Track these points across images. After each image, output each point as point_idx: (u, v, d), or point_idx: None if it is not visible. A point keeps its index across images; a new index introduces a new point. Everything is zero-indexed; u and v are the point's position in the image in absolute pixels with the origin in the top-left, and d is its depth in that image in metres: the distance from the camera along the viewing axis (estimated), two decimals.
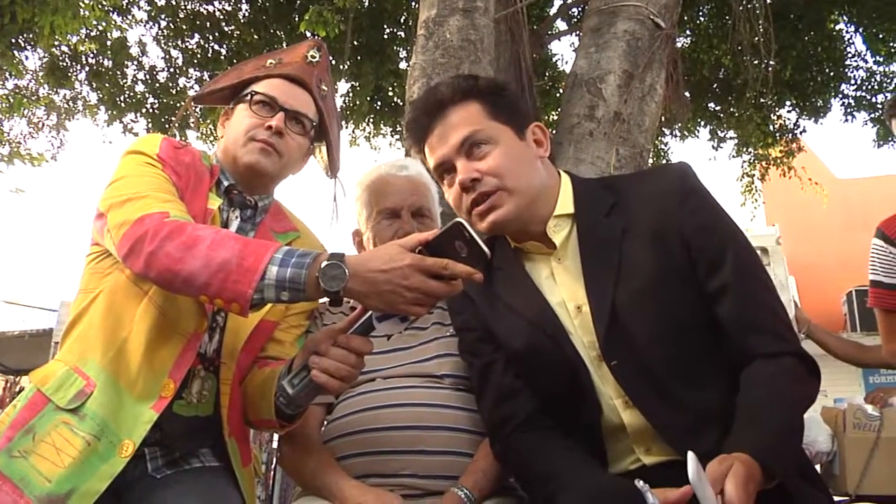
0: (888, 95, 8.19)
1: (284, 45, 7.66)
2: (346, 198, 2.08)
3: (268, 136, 1.71)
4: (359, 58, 7.87)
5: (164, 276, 1.42)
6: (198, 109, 7.76)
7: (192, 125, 8.10)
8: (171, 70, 8.81)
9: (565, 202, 1.59)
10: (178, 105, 8.44)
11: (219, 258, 1.37)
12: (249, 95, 1.76)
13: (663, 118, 4.65)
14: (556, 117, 7.39)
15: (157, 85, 8.82)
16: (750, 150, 9.04)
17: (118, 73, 8.67)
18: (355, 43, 7.61)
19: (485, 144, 1.53)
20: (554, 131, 3.85)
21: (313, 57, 1.83)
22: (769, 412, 1.33)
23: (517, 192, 1.52)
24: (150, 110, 8.84)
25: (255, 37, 7.92)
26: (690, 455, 1.15)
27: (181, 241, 1.41)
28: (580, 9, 6.60)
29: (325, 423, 1.83)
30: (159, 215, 1.47)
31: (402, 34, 7.98)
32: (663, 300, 1.45)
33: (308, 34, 5.92)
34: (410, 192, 1.94)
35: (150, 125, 8.80)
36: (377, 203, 1.94)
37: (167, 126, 8.39)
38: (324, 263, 1.34)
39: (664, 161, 9.11)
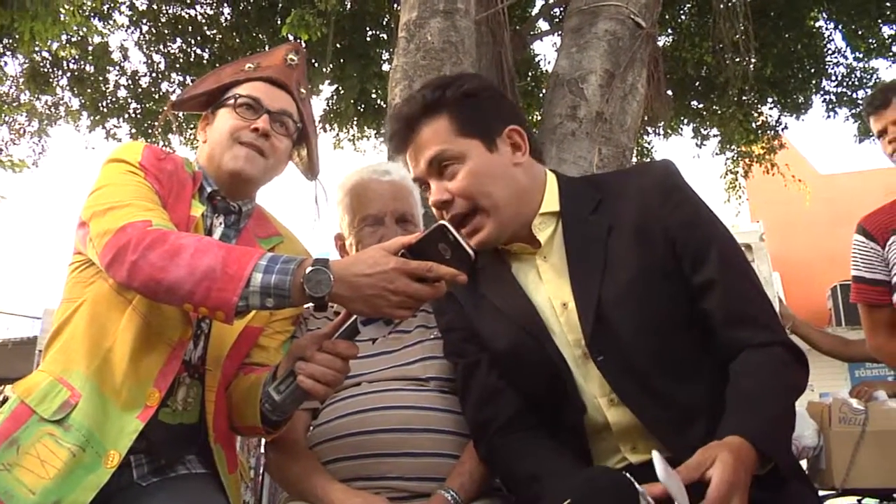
0: (868, 91, 8.27)
1: (267, 48, 7.64)
2: (327, 200, 2.06)
3: (254, 139, 1.71)
4: (342, 60, 7.87)
5: (147, 286, 1.42)
6: (180, 115, 7.74)
7: (174, 130, 8.08)
8: (154, 75, 8.79)
9: (551, 200, 1.59)
10: (161, 110, 8.40)
11: (202, 266, 1.37)
12: (233, 98, 1.75)
13: (646, 117, 4.67)
14: (539, 117, 7.42)
15: (140, 90, 8.79)
16: (733, 147, 9.11)
17: (100, 78, 8.63)
18: (338, 46, 7.62)
19: (453, 163, 1.53)
20: (536, 131, 3.86)
21: (292, 60, 1.83)
22: (761, 398, 1.34)
23: (493, 209, 1.52)
24: (133, 115, 8.81)
25: (238, 40, 7.92)
26: (655, 454, 1.16)
27: (164, 249, 1.40)
28: (562, 9, 6.62)
29: (311, 427, 1.83)
30: (142, 224, 1.46)
31: (385, 36, 7.98)
32: (649, 296, 1.46)
33: (290, 37, 5.92)
34: (393, 197, 1.93)
35: (132, 130, 8.76)
36: (359, 209, 1.93)
37: (150, 131, 8.36)
38: (308, 269, 1.34)
39: (648, 159, 9.16)
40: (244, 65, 1.83)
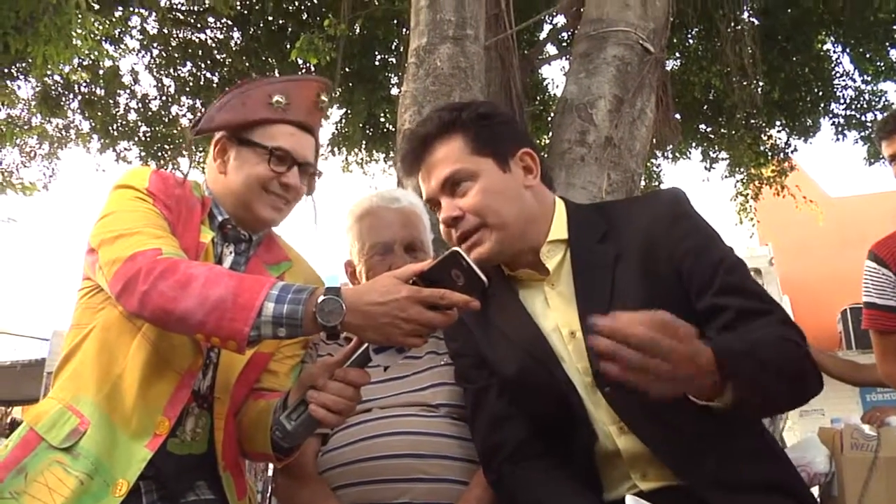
0: (877, 114, 8.27)
1: (276, 72, 7.69)
2: (320, 213, 2.06)
3: (282, 192, 1.72)
4: (350, 84, 7.92)
5: (158, 316, 1.41)
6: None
7: (184, 153, 8.14)
8: (164, 98, 8.86)
9: (559, 228, 1.60)
10: (171, 133, 8.46)
11: (214, 296, 1.37)
12: (267, 149, 1.71)
13: (654, 141, 4.67)
14: (547, 141, 7.44)
15: (150, 113, 8.86)
16: (742, 169, 9.11)
17: (111, 101, 8.71)
18: (347, 70, 7.66)
19: (466, 181, 1.55)
20: (545, 155, 3.88)
21: (323, 103, 1.81)
22: (751, 338, 1.35)
23: (499, 227, 1.53)
24: (143, 138, 8.87)
25: (247, 64, 7.98)
26: (629, 498, 1.18)
27: (175, 279, 1.40)
28: (570, 33, 6.67)
29: (321, 453, 1.83)
30: (152, 252, 1.45)
31: (394, 61, 8.04)
32: None
33: (300, 62, 5.96)
34: (402, 225, 1.95)
35: (142, 153, 8.83)
36: (369, 237, 1.95)
37: (160, 154, 8.42)
38: (320, 298, 1.34)
39: (657, 183, 9.18)
40: (272, 95, 1.78)
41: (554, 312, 1.56)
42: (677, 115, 7.46)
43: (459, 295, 1.33)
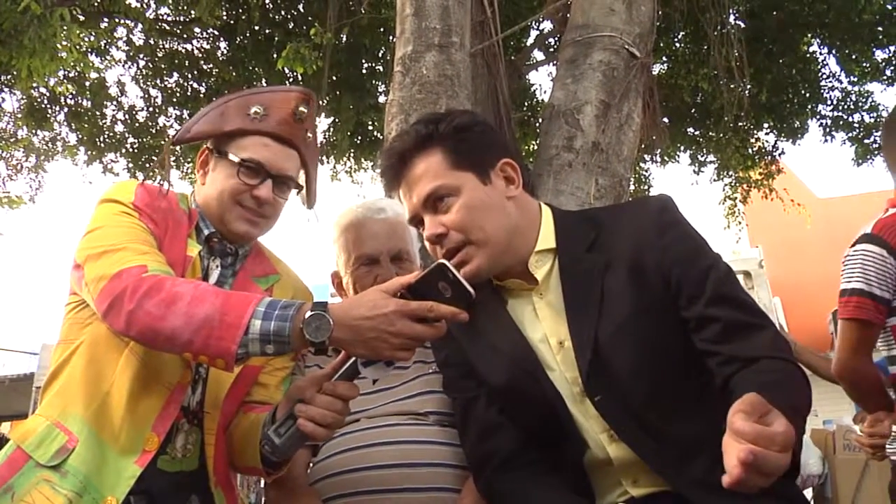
0: (864, 115, 8.33)
1: (264, 82, 7.69)
2: (318, 221, 2.07)
3: (255, 206, 1.71)
4: (338, 93, 7.93)
5: (145, 335, 1.41)
6: (178, 149, 7.77)
7: (172, 164, 8.11)
8: (151, 109, 8.86)
9: (547, 237, 1.59)
10: (159, 144, 8.44)
11: (200, 315, 1.37)
12: (238, 162, 1.70)
13: (642, 145, 4.69)
14: (536, 147, 7.45)
15: (137, 124, 8.86)
16: (730, 173, 9.15)
17: (97, 113, 8.71)
18: (334, 78, 7.67)
19: (448, 197, 1.54)
20: (533, 161, 3.89)
21: (302, 113, 1.78)
22: (774, 379, 1.30)
23: (484, 243, 1.52)
24: (130, 150, 8.86)
25: (234, 74, 7.97)
26: None
27: (160, 298, 1.39)
28: (557, 38, 6.69)
29: (311, 464, 1.83)
30: (137, 269, 1.45)
31: (381, 68, 8.05)
32: (644, 333, 1.46)
33: (286, 71, 5.96)
34: (388, 236, 1.95)
35: (130, 164, 8.81)
36: (355, 248, 1.95)
37: (147, 165, 8.39)
38: (308, 314, 1.34)
39: (645, 188, 9.20)
40: (250, 107, 1.78)
41: (542, 322, 1.56)
42: (665, 119, 7.50)
43: (447, 307, 1.33)
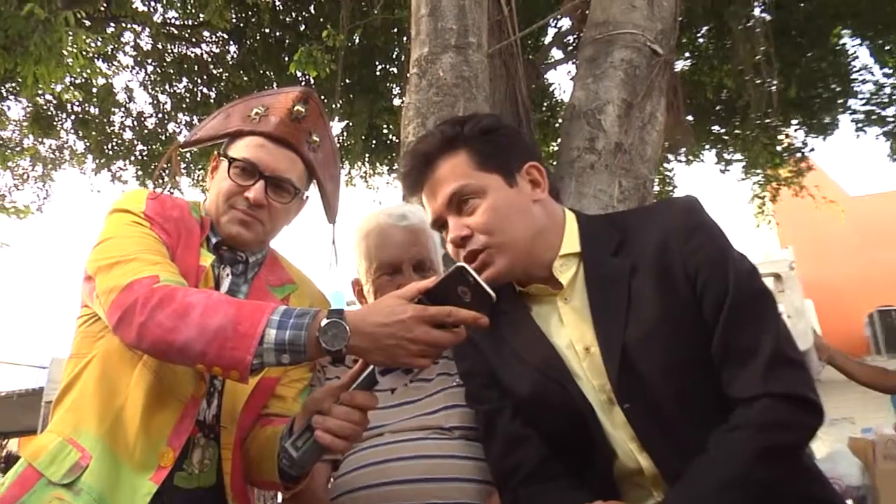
0: None
1: (275, 86, 7.72)
2: (343, 243, 2.07)
3: (246, 208, 1.71)
4: (351, 96, 7.96)
5: (157, 347, 1.42)
6: (188, 154, 7.82)
7: (181, 172, 8.15)
8: (160, 115, 8.93)
9: (571, 241, 1.60)
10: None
11: (213, 325, 1.37)
12: (229, 161, 1.73)
13: (666, 144, 4.67)
14: (556, 148, 7.43)
15: (146, 131, 8.93)
16: (758, 171, 9.10)
17: (105, 120, 8.78)
18: (347, 81, 7.69)
19: (473, 198, 1.55)
20: (554, 163, 3.88)
21: (299, 112, 1.78)
22: (705, 469, 1.35)
23: (508, 246, 1.53)
24: (140, 157, 8.92)
25: (245, 79, 8.04)
26: None
27: (172, 309, 1.40)
28: (576, 36, 6.69)
29: (332, 479, 1.84)
30: (148, 280, 1.46)
31: (395, 70, 8.08)
32: (672, 339, 1.46)
33: (298, 74, 5.98)
34: (411, 243, 1.95)
35: (139, 172, 8.87)
36: (376, 256, 1.96)
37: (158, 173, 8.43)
38: (323, 322, 1.35)
39: (670, 189, 9.17)
40: (252, 107, 1.80)
41: (568, 328, 1.56)
42: (689, 118, 7.47)
43: (467, 312, 1.33)
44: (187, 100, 8.65)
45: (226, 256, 1.76)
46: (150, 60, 8.64)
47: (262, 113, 1.78)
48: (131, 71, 8.84)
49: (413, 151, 1.66)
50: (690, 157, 9.24)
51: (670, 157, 8.82)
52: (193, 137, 1.87)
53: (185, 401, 1.57)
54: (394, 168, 8.99)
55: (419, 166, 1.62)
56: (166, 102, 8.87)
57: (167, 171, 7.97)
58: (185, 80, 8.66)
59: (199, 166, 8.17)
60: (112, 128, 8.90)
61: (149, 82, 8.84)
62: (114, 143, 8.91)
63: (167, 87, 8.75)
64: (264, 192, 1.71)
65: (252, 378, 1.47)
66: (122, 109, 8.89)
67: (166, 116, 8.90)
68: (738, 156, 9.02)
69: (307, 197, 1.91)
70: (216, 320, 1.37)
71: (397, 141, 8.81)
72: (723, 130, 8.77)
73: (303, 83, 7.13)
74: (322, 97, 1.97)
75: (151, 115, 8.98)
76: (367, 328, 1.34)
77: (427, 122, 3.15)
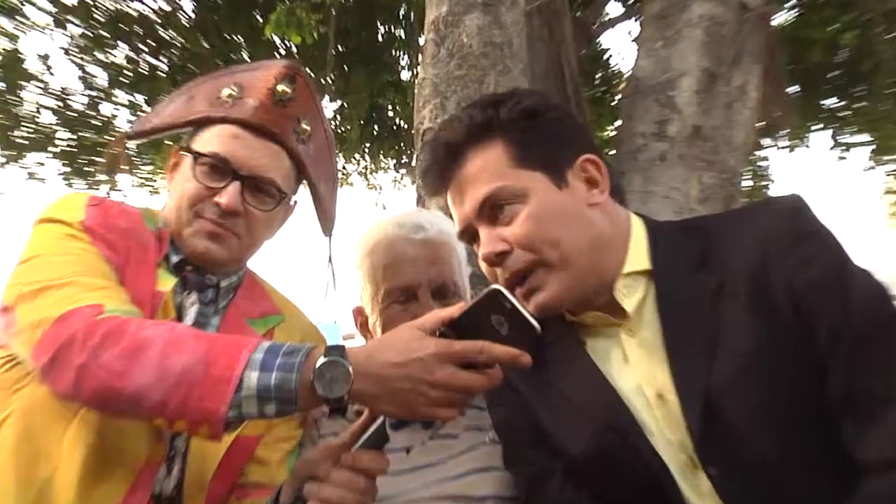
0: None
1: (245, 55, 7.70)
2: (341, 260, 2.09)
3: (217, 217, 1.74)
4: (346, 68, 7.95)
5: (101, 398, 1.40)
6: (134, 146, 7.77)
7: (125, 169, 8.08)
8: (91, 93, 8.83)
9: (638, 256, 1.62)
10: (104, 140, 8.30)
11: (177, 367, 1.36)
12: (194, 156, 1.76)
13: (762, 126, 4.66)
14: (614, 134, 7.39)
15: (72, 114, 8.81)
16: (892, 157, 8.98)
17: (13, 97, 8.57)
18: (340, 49, 7.68)
19: (511, 204, 1.57)
20: (612, 152, 3.88)
21: (283, 93, 1.82)
22: None
23: (561, 264, 1.55)
24: (64, 149, 8.83)
25: (205, 45, 7.96)
26: None
27: (122, 346, 1.39)
28: None
29: None
30: (90, 311, 1.45)
31: (402, 34, 8.07)
32: (773, 383, 1.45)
33: (277, 40, 5.90)
34: (429, 262, 1.98)
35: (65, 169, 8.79)
36: (385, 278, 1.98)
37: (89, 171, 8.34)
38: (319, 361, 1.35)
39: (765, 185, 9.12)
40: (224, 86, 1.83)
41: (635, 368, 1.58)
42: (793, 89, 7.43)
43: (503, 348, 1.34)
44: (128, 73, 8.58)
45: (191, 280, 1.79)
46: (73, 17, 8.40)
47: (237, 94, 1.81)
48: (48, 32, 8.58)
49: (434, 142, 1.69)
50: (795, 142, 9.18)
51: (767, 142, 8.76)
52: (146, 126, 1.89)
53: (137, 467, 1.58)
54: (402, 162, 8.96)
55: (442, 161, 1.65)
56: (99, 76, 8.77)
57: (108, 172, 7.95)
58: (123, 45, 8.56)
59: (146, 158, 8.15)
60: (22, 107, 8.73)
61: (74, 48, 8.66)
62: (27, 129, 8.77)
63: (100, 54, 8.61)
64: (240, 197, 1.75)
65: (226, 435, 1.49)
66: (38, 83, 8.68)
67: (100, 95, 8.83)
68: (862, 137, 8.93)
69: (295, 202, 1.96)
70: (181, 360, 1.37)
71: (407, 127, 8.71)
72: (840, 104, 8.67)
73: (283, 52, 7.08)
74: (309, 71, 1.97)
75: (79, 93, 8.90)
76: (376, 369, 1.35)
77: (447, 102, 3.19)
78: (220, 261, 1.79)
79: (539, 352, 1.43)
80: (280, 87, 1.82)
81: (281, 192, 1.82)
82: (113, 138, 8.51)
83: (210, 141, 1.77)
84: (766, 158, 9.28)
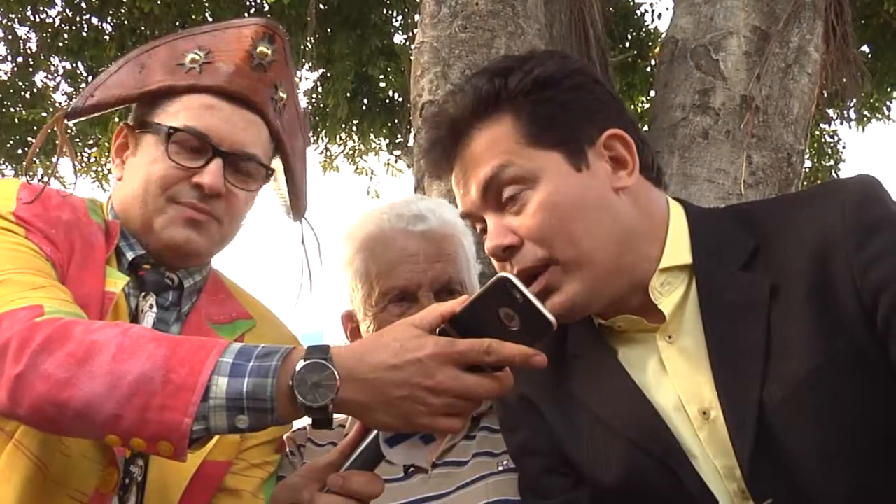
0: None
1: (208, 15, 7.65)
2: (320, 254, 2.07)
3: (197, 200, 1.76)
4: (329, 31, 7.95)
5: (43, 413, 1.39)
6: (73, 126, 7.78)
7: (64, 152, 8.04)
8: (21, 60, 8.87)
9: (677, 248, 1.63)
10: (37, 117, 8.33)
11: (133, 373, 1.36)
12: (165, 131, 1.77)
13: (824, 94, 4.67)
14: (647, 106, 7.39)
15: None
16: None
17: None
18: (322, 7, 7.70)
19: (521, 188, 1.58)
20: (645, 128, 3.87)
21: (263, 55, 1.83)
22: None
23: (582, 262, 1.56)
24: None
25: (159, 2, 7.91)
26: None
27: (68, 352, 1.39)
28: None
29: None
30: (26, 312, 1.46)
31: None
32: (838, 397, 1.46)
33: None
34: (431, 258, 1.99)
35: None
36: (380, 278, 1.99)
37: (19, 153, 8.38)
38: (300, 364, 1.34)
39: (830, 165, 9.11)
40: (185, 50, 1.84)
41: (675, 380, 1.60)
42: (863, 50, 7.43)
43: (514, 346, 1.33)
44: (65, 36, 8.60)
45: (148, 279, 1.80)
46: None
47: (203, 59, 1.82)
48: None
49: (436, 117, 1.71)
50: (865, 114, 9.18)
51: (832, 114, 8.77)
52: (92, 101, 1.87)
53: (84, 499, 1.59)
54: (397, 142, 8.95)
55: (445, 140, 1.67)
56: (31, 39, 8.85)
57: (40, 153, 7.92)
58: (59, 2, 8.59)
59: (91, 139, 8.16)
60: None
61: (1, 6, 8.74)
62: None
63: (30, 14, 8.65)
64: (223, 174, 1.77)
65: (192, 455, 1.51)
66: None
67: (31, 62, 8.87)
68: None
69: (267, 179, 1.96)
70: (137, 366, 1.36)
71: (401, 101, 8.68)
72: None
73: (252, 11, 7.04)
74: (287, 41, 1.95)
75: (6, 59, 8.99)
76: (367, 373, 1.34)
77: (450, 70, 3.21)
78: (199, 252, 1.81)
79: (562, 362, 1.49)
80: (260, 48, 1.83)
81: (266, 169, 1.86)
82: (47, 114, 8.48)
83: (179, 114, 1.78)
84: (832, 133, 9.26)
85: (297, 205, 2.01)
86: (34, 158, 8.06)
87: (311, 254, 2.04)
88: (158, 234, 1.78)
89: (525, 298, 1.32)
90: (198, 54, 1.82)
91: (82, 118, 1.90)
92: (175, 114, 1.79)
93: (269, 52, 1.84)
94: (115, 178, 1.89)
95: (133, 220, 1.79)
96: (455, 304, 1.37)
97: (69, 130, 7.65)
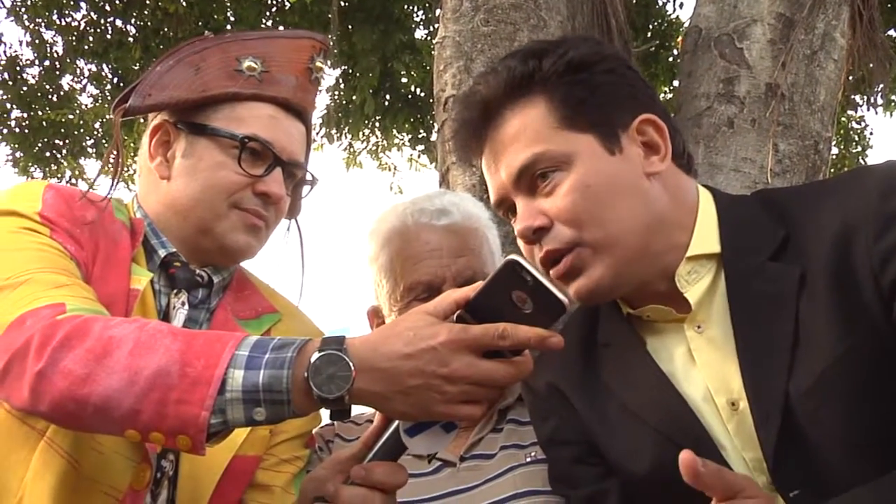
0: None
1: (230, 15, 7.63)
2: (312, 235, 2.10)
3: (261, 208, 1.80)
4: (350, 28, 7.96)
5: (63, 409, 1.40)
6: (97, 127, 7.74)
7: (89, 152, 8.06)
8: (47, 63, 8.89)
9: (705, 236, 1.62)
10: (63, 118, 8.32)
11: (149, 368, 1.37)
12: (236, 140, 1.78)
13: (851, 79, 4.62)
14: (671, 95, 7.35)
15: (24, 87, 8.90)
16: None
17: None
18: (344, 3, 7.70)
19: (553, 171, 1.57)
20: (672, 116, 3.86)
21: (319, 70, 1.87)
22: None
23: (610, 245, 1.55)
24: (15, 129, 8.93)
25: (183, 3, 7.94)
26: None
27: (87, 348, 1.40)
28: None
29: None
30: (49, 310, 1.47)
31: None
32: (862, 388, 1.46)
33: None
34: (455, 252, 1.99)
35: (15, 153, 8.85)
36: (405, 273, 2.00)
37: (48, 154, 8.35)
38: (315, 356, 1.35)
39: (858, 151, 9.04)
40: (238, 55, 1.85)
41: (703, 371, 1.60)
42: (890, 33, 7.38)
43: (529, 329, 1.32)
44: (90, 39, 8.59)
45: (180, 276, 1.81)
46: None
47: (261, 68, 1.84)
48: None
49: (467, 97, 1.71)
50: (893, 99, 9.13)
51: (859, 100, 8.72)
52: (149, 100, 1.84)
53: (117, 497, 1.60)
54: (420, 137, 8.93)
55: (476, 121, 1.67)
56: (56, 43, 8.85)
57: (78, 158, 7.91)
58: (84, 6, 8.59)
59: (108, 139, 8.11)
60: None
61: (25, 10, 8.71)
62: None
63: (56, 17, 8.63)
64: (284, 185, 1.81)
65: (218, 450, 1.52)
66: None
67: (58, 64, 8.88)
68: None
69: None
70: (154, 360, 1.37)
71: (424, 96, 8.70)
72: None
73: (272, 7, 7.02)
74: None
75: (32, 63, 8.99)
76: (382, 362, 1.34)
77: (472, 64, 3.20)
78: (252, 255, 1.85)
79: (591, 352, 1.49)
80: (318, 63, 1.87)
81: (314, 179, 1.90)
82: (74, 116, 8.48)
83: (245, 122, 1.80)
84: (859, 120, 9.21)
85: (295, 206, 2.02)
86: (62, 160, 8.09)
87: (305, 255, 2.07)
88: (219, 237, 1.80)
89: (535, 280, 1.31)
90: (255, 62, 1.84)
91: (139, 115, 1.89)
92: (240, 121, 1.81)
93: (322, 66, 1.87)
94: (146, 176, 1.89)
95: (175, 221, 1.81)
96: (469, 291, 1.37)
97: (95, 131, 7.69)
